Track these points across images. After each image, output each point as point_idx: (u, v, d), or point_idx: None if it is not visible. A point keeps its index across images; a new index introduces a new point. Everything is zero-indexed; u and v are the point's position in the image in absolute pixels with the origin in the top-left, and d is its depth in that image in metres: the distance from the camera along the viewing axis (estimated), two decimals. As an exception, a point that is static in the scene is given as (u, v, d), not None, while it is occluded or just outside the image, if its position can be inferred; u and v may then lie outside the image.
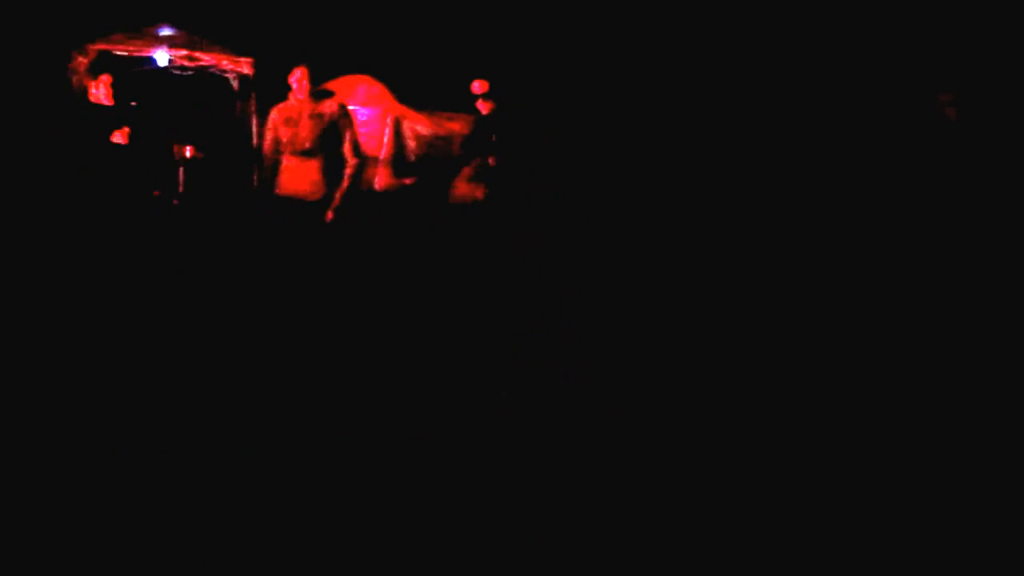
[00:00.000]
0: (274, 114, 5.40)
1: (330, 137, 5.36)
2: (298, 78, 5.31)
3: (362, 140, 7.19)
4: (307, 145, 5.31)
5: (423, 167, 7.12)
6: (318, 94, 5.42)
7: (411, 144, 7.22)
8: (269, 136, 5.39)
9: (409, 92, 7.40)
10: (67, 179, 5.86)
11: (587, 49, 7.10)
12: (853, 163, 5.79)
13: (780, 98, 6.12)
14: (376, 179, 7.05)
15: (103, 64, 6.35)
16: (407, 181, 7.05)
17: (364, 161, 5.75)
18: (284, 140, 5.32)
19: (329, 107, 5.38)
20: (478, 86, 6.07)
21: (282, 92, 5.53)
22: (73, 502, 2.79)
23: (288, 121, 5.32)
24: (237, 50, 6.82)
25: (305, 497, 2.88)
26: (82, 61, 6.43)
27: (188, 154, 6.63)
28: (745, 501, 2.94)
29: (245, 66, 6.77)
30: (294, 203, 5.38)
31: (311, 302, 5.17)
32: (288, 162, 5.34)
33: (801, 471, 3.19)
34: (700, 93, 6.44)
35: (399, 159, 7.11)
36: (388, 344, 4.56)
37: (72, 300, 4.94)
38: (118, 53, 6.64)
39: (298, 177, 5.34)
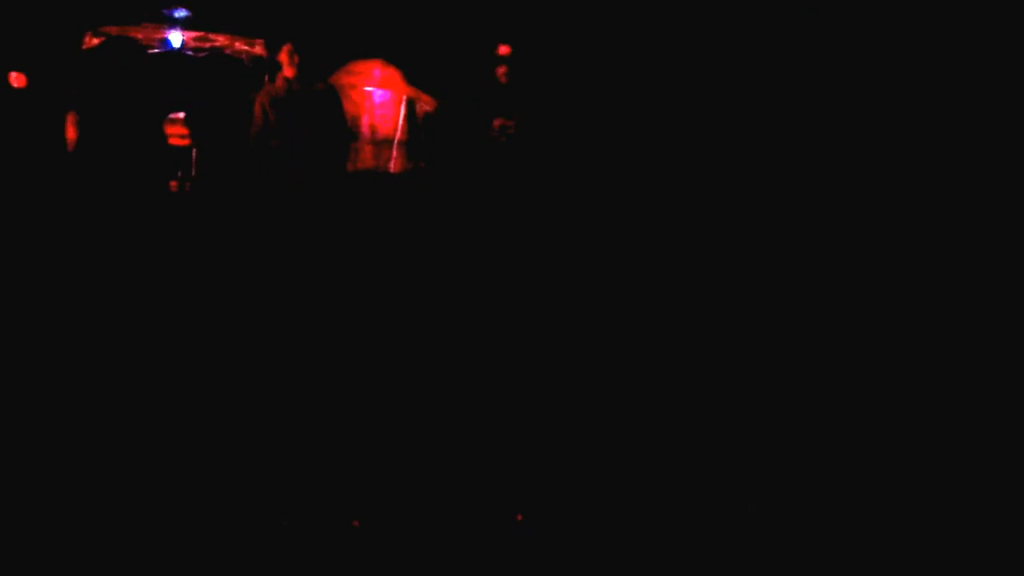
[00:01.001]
0: (262, 96, 5.27)
1: (316, 117, 5.24)
2: (284, 55, 5.19)
3: (378, 122, 7.10)
4: (292, 126, 5.19)
5: (434, 149, 7.09)
6: (307, 75, 5.27)
7: (424, 127, 7.18)
8: (258, 119, 5.24)
9: (422, 76, 7.36)
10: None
11: (604, 42, 7.04)
12: (848, 166, 5.76)
13: (779, 97, 6.07)
14: (391, 162, 7.03)
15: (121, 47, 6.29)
16: (421, 164, 7.02)
17: (349, 141, 5.64)
18: (273, 122, 5.20)
19: (316, 87, 5.27)
20: (504, 49, 5.74)
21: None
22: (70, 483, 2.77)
23: (274, 102, 5.19)
24: (250, 32, 6.78)
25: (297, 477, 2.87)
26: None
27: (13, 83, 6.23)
28: (743, 500, 2.91)
29: (258, 47, 6.72)
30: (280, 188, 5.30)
31: (319, 287, 5.14)
32: (277, 145, 5.25)
33: (799, 470, 3.17)
34: (711, 99, 6.37)
35: (414, 142, 7.07)
36: (391, 335, 4.55)
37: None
38: (132, 36, 6.60)
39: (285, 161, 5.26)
